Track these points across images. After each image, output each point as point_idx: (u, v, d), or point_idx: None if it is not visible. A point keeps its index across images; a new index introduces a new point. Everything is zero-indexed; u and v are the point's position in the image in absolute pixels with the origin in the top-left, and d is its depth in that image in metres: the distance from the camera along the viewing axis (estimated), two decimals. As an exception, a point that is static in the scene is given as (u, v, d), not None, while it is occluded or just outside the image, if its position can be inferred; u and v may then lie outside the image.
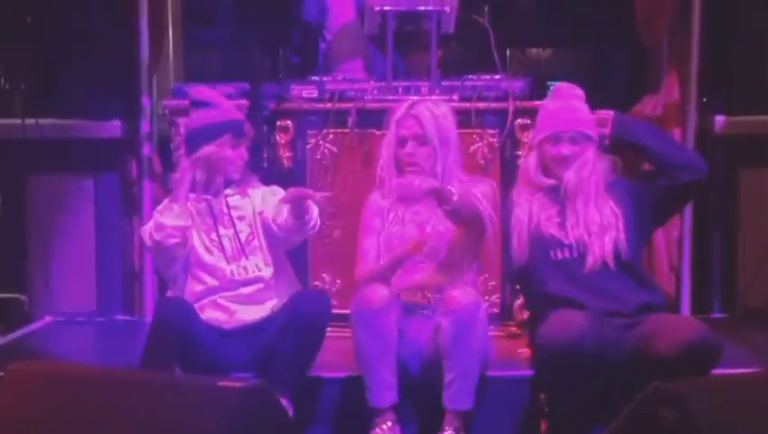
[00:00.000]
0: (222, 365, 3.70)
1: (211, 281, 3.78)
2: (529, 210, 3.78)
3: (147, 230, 3.76)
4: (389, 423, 3.58)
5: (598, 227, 3.71)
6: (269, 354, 3.61)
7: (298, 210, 3.67)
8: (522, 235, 3.76)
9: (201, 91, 3.94)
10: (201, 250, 3.80)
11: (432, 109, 3.83)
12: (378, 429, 3.58)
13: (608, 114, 3.89)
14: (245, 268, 3.79)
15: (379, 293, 3.57)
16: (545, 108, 3.92)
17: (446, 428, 3.58)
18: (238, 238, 3.80)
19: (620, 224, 3.72)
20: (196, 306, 3.76)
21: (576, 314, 3.50)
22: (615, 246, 3.69)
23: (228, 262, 3.77)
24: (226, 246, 3.80)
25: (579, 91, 3.91)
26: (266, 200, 3.84)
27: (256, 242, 3.81)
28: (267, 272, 3.80)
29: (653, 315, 3.66)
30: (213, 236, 3.80)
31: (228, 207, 3.82)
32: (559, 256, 3.73)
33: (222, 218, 3.81)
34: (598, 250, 3.68)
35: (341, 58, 5.05)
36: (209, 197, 3.81)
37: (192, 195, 3.78)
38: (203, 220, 3.81)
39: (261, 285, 3.80)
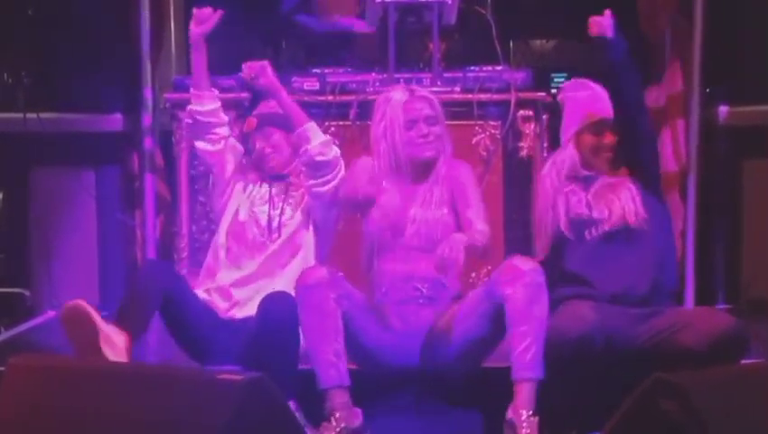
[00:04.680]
0: (213, 351, 3.69)
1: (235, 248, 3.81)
2: (559, 203, 3.73)
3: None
4: (337, 414, 3.40)
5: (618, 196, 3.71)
6: (250, 354, 3.57)
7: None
8: (549, 230, 3.74)
9: None
10: (242, 215, 3.84)
11: (431, 94, 3.84)
12: (325, 424, 3.41)
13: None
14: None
15: (317, 272, 3.51)
16: (574, 100, 3.83)
17: (519, 403, 3.35)
18: (276, 222, 3.82)
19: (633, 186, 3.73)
20: (208, 287, 3.78)
21: (585, 306, 3.46)
22: (635, 206, 3.68)
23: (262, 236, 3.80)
24: (262, 223, 3.82)
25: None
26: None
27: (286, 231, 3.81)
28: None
29: (671, 307, 3.66)
30: (257, 210, 3.84)
31: (285, 193, 3.86)
32: (594, 233, 3.69)
33: (275, 199, 3.85)
34: (619, 211, 3.67)
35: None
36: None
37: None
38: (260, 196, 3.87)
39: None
